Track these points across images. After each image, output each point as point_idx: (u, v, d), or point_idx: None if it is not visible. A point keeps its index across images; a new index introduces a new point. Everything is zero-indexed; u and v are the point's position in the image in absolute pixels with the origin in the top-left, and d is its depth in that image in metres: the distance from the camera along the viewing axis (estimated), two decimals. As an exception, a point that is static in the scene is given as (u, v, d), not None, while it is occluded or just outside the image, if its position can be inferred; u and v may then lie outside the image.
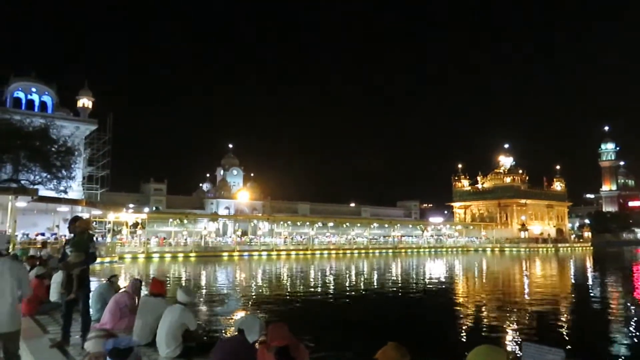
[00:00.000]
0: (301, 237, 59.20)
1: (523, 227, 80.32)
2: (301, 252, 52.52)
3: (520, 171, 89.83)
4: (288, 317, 13.41)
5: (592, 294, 21.98)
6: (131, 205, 52.93)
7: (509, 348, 9.75)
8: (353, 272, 32.38)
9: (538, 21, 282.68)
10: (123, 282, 11.08)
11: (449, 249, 68.04)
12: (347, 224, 66.43)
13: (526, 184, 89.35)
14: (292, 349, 3.57)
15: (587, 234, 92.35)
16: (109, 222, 43.36)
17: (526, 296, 20.56)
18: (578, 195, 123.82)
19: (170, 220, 53.30)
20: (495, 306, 16.66)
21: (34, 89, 49.00)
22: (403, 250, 62.41)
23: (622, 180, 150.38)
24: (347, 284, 24.74)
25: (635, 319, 14.22)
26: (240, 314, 14.37)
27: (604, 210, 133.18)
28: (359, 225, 68.37)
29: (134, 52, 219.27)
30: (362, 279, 27.73)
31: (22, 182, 32.45)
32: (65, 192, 33.92)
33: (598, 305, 17.92)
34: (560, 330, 12.53)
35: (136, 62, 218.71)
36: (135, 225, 49.00)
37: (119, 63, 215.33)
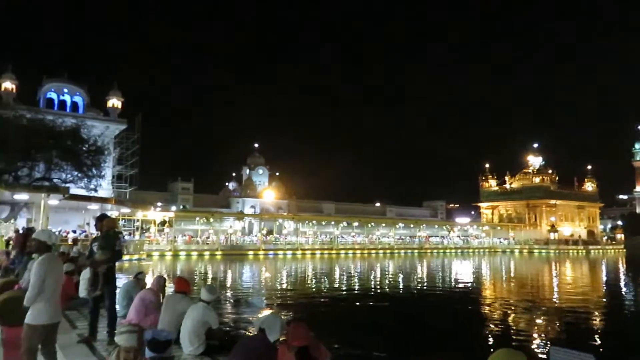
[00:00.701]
0: (326, 236, 59.19)
1: (552, 228, 78.60)
2: (326, 252, 52.53)
3: (550, 171, 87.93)
4: (311, 317, 13.42)
5: (624, 299, 21.35)
6: (159, 204, 53.74)
7: (537, 352, 9.55)
8: (378, 273, 32.22)
9: (570, 12, 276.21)
10: (150, 280, 11.24)
11: (476, 250, 67.10)
12: (372, 223, 66.10)
13: (556, 184, 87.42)
14: (313, 348, 3.55)
15: (620, 236, 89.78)
16: (137, 220, 44.14)
17: (555, 299, 20.12)
18: (610, 196, 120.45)
19: (197, 218, 53.95)
20: (523, 309, 16.34)
21: (65, 90, 50.31)
22: (429, 251, 61.82)
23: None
24: (371, 284, 24.63)
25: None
26: (263, 313, 14.45)
27: (637, 211, 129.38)
28: (384, 225, 67.97)
29: (162, 53, 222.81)
30: (387, 280, 27.57)
31: (54, 180, 33.26)
32: (95, 190, 34.64)
33: (630, 311, 17.41)
34: (590, 335, 12.20)
35: (165, 62, 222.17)
36: (163, 223, 49.75)
37: (148, 64, 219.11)
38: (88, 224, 37.63)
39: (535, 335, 11.86)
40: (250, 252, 47.92)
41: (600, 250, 76.69)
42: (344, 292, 21.06)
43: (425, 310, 16.19)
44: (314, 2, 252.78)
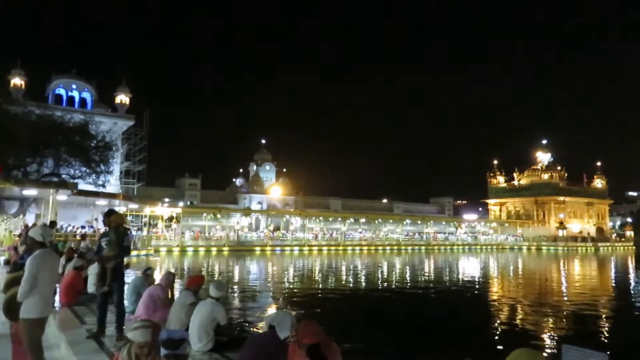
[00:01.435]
0: (333, 232, 59.17)
1: (561, 225, 78.06)
2: (333, 248, 52.52)
3: (559, 167, 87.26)
4: (318, 313, 13.38)
5: (634, 297, 21.14)
6: (166, 200, 53.93)
7: (548, 350, 9.45)
8: (385, 269, 32.14)
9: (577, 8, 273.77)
10: (158, 275, 11.23)
11: (484, 247, 66.83)
12: (379, 220, 66.02)
13: (565, 180, 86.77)
14: (324, 346, 3.50)
15: (630, 233, 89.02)
16: (145, 216, 44.34)
17: (565, 297, 19.94)
18: (620, 192, 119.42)
19: (204, 214, 54.10)
20: (532, 306, 16.20)
21: (74, 86, 50.51)
22: (436, 248, 61.64)
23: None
24: (379, 281, 24.56)
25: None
26: (271, 309, 14.42)
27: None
28: (391, 221, 67.86)
29: (170, 50, 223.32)
30: (394, 276, 27.49)
31: (63, 176, 33.46)
32: (103, 186, 34.82)
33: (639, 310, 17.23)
34: (601, 333, 12.07)
35: (173, 59, 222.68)
36: (171, 219, 49.93)
37: (156, 60, 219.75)
38: (96, 219, 37.80)
39: (546, 333, 11.74)
40: (257, 248, 48.01)
41: (610, 248, 76.10)
42: (351, 289, 21.01)
43: (434, 307, 16.11)
44: (306, 3, 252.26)
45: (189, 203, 65.03)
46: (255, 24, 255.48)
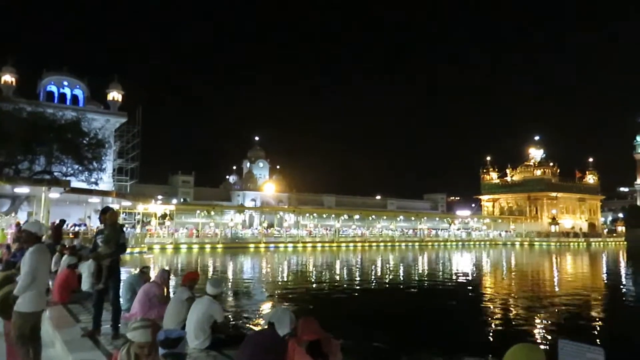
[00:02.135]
0: (327, 229, 59.19)
1: (554, 220, 78.56)
2: (327, 245, 52.56)
3: (551, 164, 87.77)
4: (314, 310, 13.38)
5: (626, 291, 21.33)
6: (160, 197, 53.66)
7: (543, 346, 9.49)
8: (379, 265, 32.21)
9: (566, 10, 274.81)
10: (152, 273, 11.19)
11: (477, 243, 67.14)
12: (373, 216, 66.11)
13: (557, 176, 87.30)
14: (324, 343, 3.49)
15: (621, 229, 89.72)
16: (138, 213, 44.12)
17: (558, 292, 20.08)
18: (611, 188, 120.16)
19: (198, 211, 53.94)
20: (526, 302, 16.30)
21: (65, 83, 50.08)
22: (430, 244, 61.86)
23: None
24: (373, 277, 24.61)
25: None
26: (266, 306, 14.41)
27: (638, 204, 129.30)
28: (385, 218, 67.96)
29: (163, 46, 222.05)
30: (389, 272, 27.56)
31: (55, 174, 33.14)
32: (96, 183, 34.54)
33: (633, 303, 17.38)
34: (595, 328, 12.16)
35: (165, 55, 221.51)
36: (164, 216, 49.73)
37: (148, 56, 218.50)
38: (89, 217, 37.60)
39: (541, 328, 11.81)
40: (252, 245, 47.94)
41: (601, 243, 76.70)
42: (346, 285, 21.04)
43: (429, 304, 16.16)
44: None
45: (182, 200, 64.82)
46: (248, 23, 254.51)
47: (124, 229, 7.08)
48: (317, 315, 3.91)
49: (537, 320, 12.87)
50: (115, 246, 6.29)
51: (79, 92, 50.72)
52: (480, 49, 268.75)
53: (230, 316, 11.49)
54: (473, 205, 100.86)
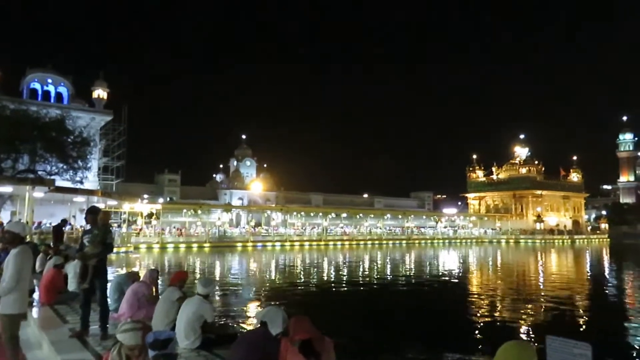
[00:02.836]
0: (314, 227, 59.19)
1: (539, 218, 79.46)
2: (315, 243, 52.55)
3: (536, 162, 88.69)
4: (303, 308, 13.36)
5: (610, 287, 21.64)
6: (146, 196, 53.24)
7: (531, 342, 9.58)
8: (367, 263, 32.30)
9: (557, 4, 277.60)
10: (142, 273, 11.09)
11: (463, 240, 67.64)
12: (361, 214, 66.26)
13: (542, 174, 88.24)
14: (316, 342, 3.47)
15: (604, 226, 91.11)
16: (124, 213, 43.69)
17: (544, 289, 20.30)
18: (595, 186, 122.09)
19: (185, 210, 53.59)
20: (513, 298, 16.45)
21: (49, 80, 49.43)
22: (417, 241, 62.16)
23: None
24: (361, 275, 24.66)
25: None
26: (254, 305, 14.36)
27: (621, 201, 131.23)
28: (372, 216, 68.15)
29: (149, 44, 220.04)
30: (377, 270, 27.64)
31: (39, 172, 32.69)
32: (81, 182, 34.12)
33: (616, 298, 17.63)
34: (581, 323, 12.32)
35: (151, 53, 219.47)
36: (150, 215, 49.34)
37: (134, 55, 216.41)
38: (74, 216, 37.12)
39: (528, 324, 11.92)
40: (239, 244, 47.76)
41: (585, 240, 77.75)
42: (334, 283, 21.06)
43: (417, 301, 16.23)
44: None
45: (168, 199, 64.39)
46: (234, 20, 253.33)
47: (111, 228, 7.00)
48: (306, 313, 3.90)
49: (524, 317, 12.99)
50: (102, 246, 6.22)
51: (63, 90, 50.09)
52: (467, 48, 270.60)
53: (219, 316, 11.43)
54: (459, 203, 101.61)
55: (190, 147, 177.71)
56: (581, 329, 11.28)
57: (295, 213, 63.37)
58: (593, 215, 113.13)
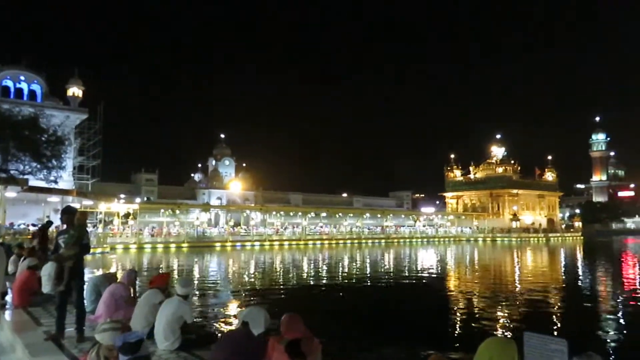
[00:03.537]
0: (294, 227, 59.11)
1: (515, 217, 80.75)
2: (294, 243, 52.48)
3: (512, 161, 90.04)
4: (283, 308, 13.30)
5: (583, 284, 22.11)
6: (122, 196, 52.44)
7: (508, 337, 9.70)
8: (346, 262, 32.38)
9: (535, 11, 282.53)
10: (117, 274, 10.90)
11: (441, 239, 68.33)
12: (340, 214, 66.43)
13: (518, 174, 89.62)
14: (304, 342, 3.44)
15: (578, 224, 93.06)
16: (100, 213, 42.98)
17: (520, 286, 20.62)
18: (569, 185, 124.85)
19: (162, 210, 52.93)
20: (491, 296, 16.68)
21: (22, 77, 48.29)
22: (395, 240, 62.58)
23: (612, 171, 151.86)
24: (341, 274, 24.71)
25: (627, 307, 14.29)
26: (233, 305, 14.26)
27: (594, 200, 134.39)
28: (351, 215, 68.38)
29: (125, 41, 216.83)
30: (356, 270, 27.73)
31: (12, 172, 31.97)
32: (55, 182, 33.48)
33: (590, 295, 18.02)
34: (557, 320, 12.54)
35: (128, 51, 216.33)
36: (127, 215, 48.64)
37: (110, 52, 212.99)
38: (48, 216, 36.34)
39: (505, 321, 12.09)
40: (218, 244, 47.39)
41: (560, 238, 79.26)
42: (314, 283, 21.06)
43: (397, 299, 16.32)
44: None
45: (145, 199, 63.57)
46: (211, 18, 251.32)
47: (87, 229, 6.85)
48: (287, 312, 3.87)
49: (502, 314, 13.17)
50: (78, 247, 6.08)
51: (36, 87, 49.01)
52: (443, 47, 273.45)
53: (199, 316, 11.32)
54: (438, 202, 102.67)
55: (167, 147, 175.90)
56: (557, 325, 11.48)
57: (274, 213, 63.19)
58: (567, 214, 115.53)
